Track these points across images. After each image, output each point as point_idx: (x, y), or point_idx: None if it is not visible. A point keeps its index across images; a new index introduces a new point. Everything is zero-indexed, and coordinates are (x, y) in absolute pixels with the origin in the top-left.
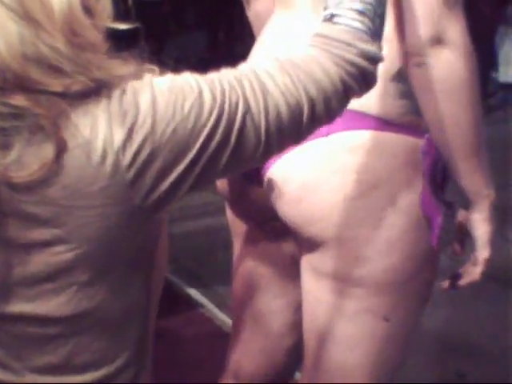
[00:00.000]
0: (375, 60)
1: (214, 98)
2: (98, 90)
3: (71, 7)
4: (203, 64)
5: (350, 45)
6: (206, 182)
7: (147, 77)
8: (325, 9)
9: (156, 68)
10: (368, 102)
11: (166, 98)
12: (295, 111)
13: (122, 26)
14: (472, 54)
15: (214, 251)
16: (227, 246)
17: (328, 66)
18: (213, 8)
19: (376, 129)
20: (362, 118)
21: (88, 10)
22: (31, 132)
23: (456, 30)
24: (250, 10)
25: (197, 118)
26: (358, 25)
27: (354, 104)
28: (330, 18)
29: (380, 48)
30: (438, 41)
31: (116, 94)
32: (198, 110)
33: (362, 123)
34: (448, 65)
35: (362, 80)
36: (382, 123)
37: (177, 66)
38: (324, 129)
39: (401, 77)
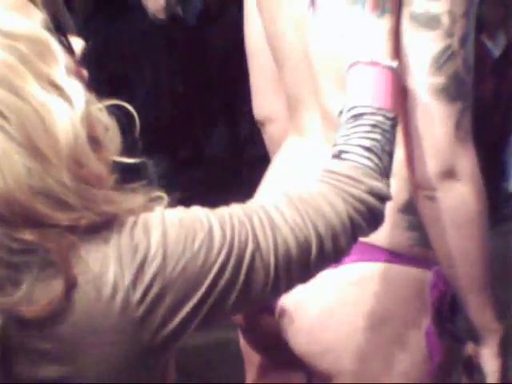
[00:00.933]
0: (383, 197)
1: (223, 235)
2: (108, 223)
3: (77, 141)
4: None
5: (358, 181)
6: (216, 318)
7: (158, 210)
8: (333, 145)
9: (164, 195)
10: (377, 234)
11: (176, 232)
12: (304, 248)
13: (129, 161)
14: (482, 187)
15: (224, 365)
16: (237, 360)
17: (336, 203)
18: None
19: (385, 261)
20: (371, 249)
21: (95, 142)
22: (41, 267)
23: (466, 163)
24: (265, 133)
25: (207, 255)
26: (366, 161)
27: None
28: (339, 155)
29: (388, 185)
30: (448, 174)
31: (127, 227)
32: (208, 246)
33: (371, 255)
34: (458, 198)
35: (370, 217)
36: (391, 255)
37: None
38: None
39: (410, 209)
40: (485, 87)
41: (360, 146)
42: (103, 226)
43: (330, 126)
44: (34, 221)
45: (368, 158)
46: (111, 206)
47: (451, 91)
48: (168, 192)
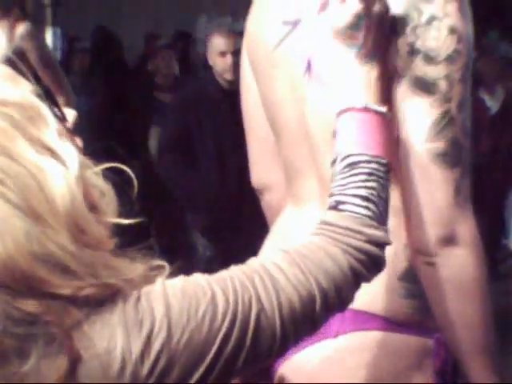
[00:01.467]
0: (383, 245)
1: (226, 300)
2: (112, 297)
3: (74, 202)
4: None
5: (357, 232)
6: (226, 379)
7: (159, 282)
8: (329, 195)
9: (165, 264)
10: (376, 303)
11: (179, 303)
12: (308, 303)
13: (126, 221)
14: (482, 252)
15: None
16: None
17: (337, 255)
18: None
19: (383, 329)
20: (369, 318)
21: (92, 207)
22: (45, 341)
23: (466, 229)
24: (263, 202)
25: (211, 323)
26: (363, 211)
27: (362, 304)
28: (336, 205)
29: (386, 231)
30: (448, 240)
31: (131, 301)
32: (211, 314)
33: (370, 324)
34: (458, 264)
35: (371, 265)
36: (390, 324)
37: None
38: (333, 330)
39: (408, 276)
40: (483, 143)
41: (357, 195)
42: (108, 301)
43: (328, 195)
44: (35, 288)
45: (365, 208)
46: (110, 271)
47: (450, 157)
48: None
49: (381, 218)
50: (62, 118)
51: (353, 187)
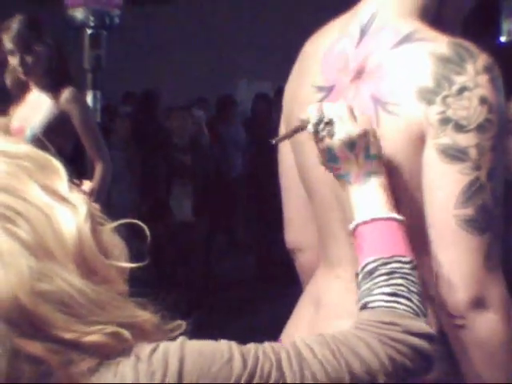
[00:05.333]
0: (424, 336)
1: (244, 365)
2: (125, 351)
3: (83, 240)
4: None
5: (391, 323)
6: None
7: (180, 339)
8: (356, 302)
9: (184, 323)
10: None
11: (193, 361)
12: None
13: (134, 265)
14: (511, 316)
15: None
16: None
17: (372, 343)
18: None
19: None
20: None
21: (103, 252)
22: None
23: (496, 292)
24: (296, 263)
25: (224, 382)
26: (393, 305)
27: None
28: (365, 306)
29: (426, 323)
30: (477, 303)
31: (145, 353)
32: (226, 374)
33: None
34: (488, 327)
35: (416, 357)
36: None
37: None
38: None
39: (440, 339)
40: None
41: (383, 293)
42: (119, 354)
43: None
44: (38, 329)
45: (395, 302)
46: (119, 312)
47: (480, 223)
48: None
49: (417, 310)
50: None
51: (377, 287)
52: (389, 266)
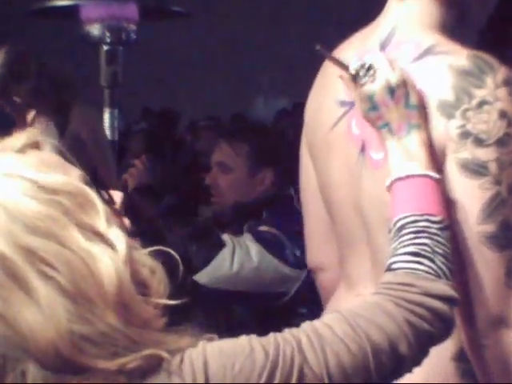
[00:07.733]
0: (444, 298)
1: (266, 354)
2: (157, 366)
3: (122, 283)
4: None
5: (409, 285)
6: None
7: (201, 344)
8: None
9: (215, 336)
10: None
11: (216, 361)
12: (358, 357)
13: (176, 302)
14: None
15: None
16: None
17: (390, 309)
18: None
19: None
20: None
21: (142, 285)
22: None
23: None
24: (317, 281)
25: (248, 375)
26: (416, 266)
27: None
28: (389, 267)
29: (449, 286)
30: (498, 322)
31: (174, 365)
32: (249, 367)
33: None
34: (509, 346)
35: (435, 320)
36: None
37: None
38: None
39: (463, 356)
40: None
41: (407, 253)
42: (153, 371)
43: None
44: (77, 367)
45: (417, 262)
46: (158, 347)
47: (501, 239)
48: None
49: (440, 272)
50: (109, 201)
51: (402, 246)
52: (417, 225)
